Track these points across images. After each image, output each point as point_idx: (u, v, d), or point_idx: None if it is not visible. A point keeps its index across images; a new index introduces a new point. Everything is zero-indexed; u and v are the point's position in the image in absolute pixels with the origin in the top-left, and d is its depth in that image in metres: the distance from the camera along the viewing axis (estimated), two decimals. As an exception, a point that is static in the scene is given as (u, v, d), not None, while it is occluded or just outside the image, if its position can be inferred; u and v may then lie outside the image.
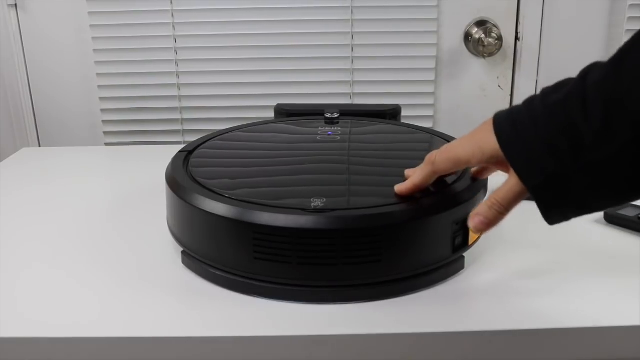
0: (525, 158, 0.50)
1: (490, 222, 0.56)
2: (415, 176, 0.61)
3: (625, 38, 1.14)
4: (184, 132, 1.35)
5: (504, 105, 1.20)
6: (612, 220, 0.74)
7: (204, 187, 0.64)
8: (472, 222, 0.56)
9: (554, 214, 0.52)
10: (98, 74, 1.31)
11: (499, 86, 1.31)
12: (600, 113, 0.46)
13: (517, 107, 0.53)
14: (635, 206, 0.76)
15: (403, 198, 0.61)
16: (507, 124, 0.52)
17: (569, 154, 0.48)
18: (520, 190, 0.52)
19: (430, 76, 1.29)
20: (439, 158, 0.59)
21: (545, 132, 0.49)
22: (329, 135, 0.81)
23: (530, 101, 0.52)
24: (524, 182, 0.51)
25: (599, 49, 1.27)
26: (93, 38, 1.28)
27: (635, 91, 0.44)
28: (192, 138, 1.05)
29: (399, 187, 0.62)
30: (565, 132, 0.48)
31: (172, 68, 1.30)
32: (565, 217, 0.53)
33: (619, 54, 0.47)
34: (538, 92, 0.53)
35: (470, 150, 0.56)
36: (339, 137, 0.80)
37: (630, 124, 0.45)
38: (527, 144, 0.50)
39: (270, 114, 1.01)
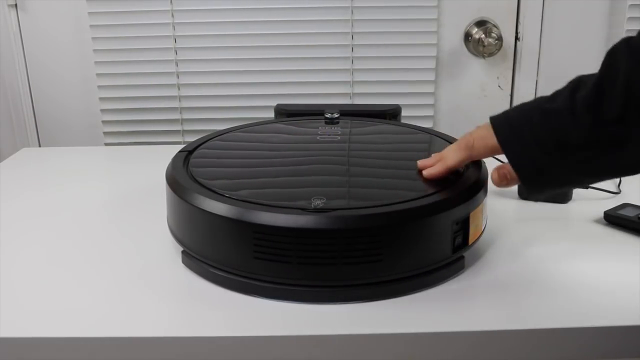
0: (520, 152, 0.59)
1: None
2: (449, 159, 0.66)
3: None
4: (184, 132, 1.35)
5: (504, 106, 1.20)
6: (612, 220, 0.74)
7: (204, 187, 0.64)
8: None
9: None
10: (98, 74, 1.31)
11: (499, 86, 1.31)
12: (586, 124, 0.55)
13: (511, 112, 0.62)
14: (635, 206, 0.76)
15: (403, 197, 0.61)
16: (505, 125, 0.61)
17: (557, 152, 0.57)
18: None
19: (430, 76, 1.29)
20: (477, 144, 0.64)
21: (541, 133, 0.58)
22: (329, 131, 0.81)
23: (522, 107, 0.61)
24: (516, 171, 0.60)
25: (598, 49, 1.27)
26: (93, 38, 1.28)
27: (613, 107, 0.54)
28: (192, 138, 1.05)
29: (429, 172, 0.66)
30: (555, 134, 0.57)
31: (172, 68, 1.30)
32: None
33: (600, 76, 0.55)
34: (538, 92, 0.56)
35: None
36: (338, 137, 0.80)
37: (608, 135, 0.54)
38: (522, 141, 0.59)
39: (270, 114, 1.01)
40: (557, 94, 0.59)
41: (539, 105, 0.59)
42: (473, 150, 0.64)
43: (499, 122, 0.62)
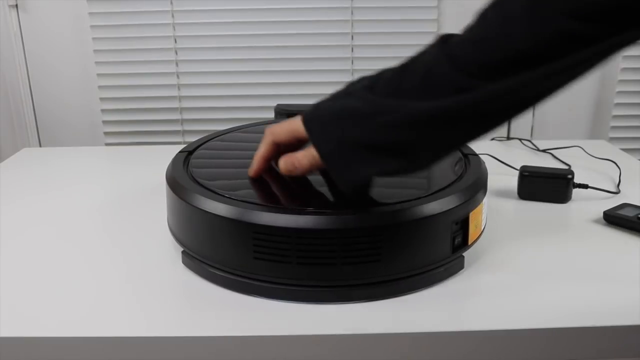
0: (320, 129, 0.58)
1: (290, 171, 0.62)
2: (257, 151, 0.66)
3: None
4: (184, 132, 1.35)
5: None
6: (612, 220, 0.74)
7: (204, 187, 0.64)
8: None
9: (346, 178, 0.58)
10: (98, 74, 1.31)
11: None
12: (383, 96, 0.54)
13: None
14: (635, 206, 0.76)
15: (403, 197, 0.61)
16: (311, 106, 0.60)
17: (355, 123, 0.55)
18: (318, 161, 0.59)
19: (430, 76, 1.29)
20: (278, 128, 0.64)
21: (338, 108, 0.57)
22: None
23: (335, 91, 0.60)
24: (318, 150, 0.58)
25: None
26: (93, 38, 1.29)
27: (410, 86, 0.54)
28: (192, 138, 1.06)
29: (249, 171, 0.66)
30: (345, 106, 0.56)
31: (172, 68, 1.30)
32: (360, 177, 0.57)
33: (407, 60, 0.56)
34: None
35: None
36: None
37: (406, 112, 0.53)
38: (321, 117, 0.58)
39: (270, 114, 1.02)
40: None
41: (346, 85, 0.60)
42: (274, 134, 0.64)
43: (309, 106, 0.61)
